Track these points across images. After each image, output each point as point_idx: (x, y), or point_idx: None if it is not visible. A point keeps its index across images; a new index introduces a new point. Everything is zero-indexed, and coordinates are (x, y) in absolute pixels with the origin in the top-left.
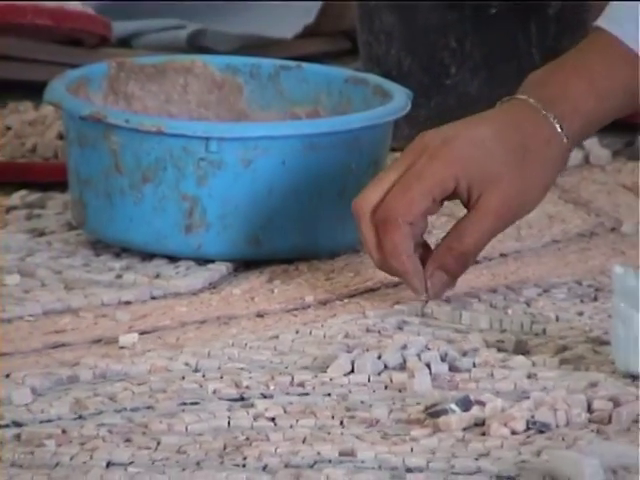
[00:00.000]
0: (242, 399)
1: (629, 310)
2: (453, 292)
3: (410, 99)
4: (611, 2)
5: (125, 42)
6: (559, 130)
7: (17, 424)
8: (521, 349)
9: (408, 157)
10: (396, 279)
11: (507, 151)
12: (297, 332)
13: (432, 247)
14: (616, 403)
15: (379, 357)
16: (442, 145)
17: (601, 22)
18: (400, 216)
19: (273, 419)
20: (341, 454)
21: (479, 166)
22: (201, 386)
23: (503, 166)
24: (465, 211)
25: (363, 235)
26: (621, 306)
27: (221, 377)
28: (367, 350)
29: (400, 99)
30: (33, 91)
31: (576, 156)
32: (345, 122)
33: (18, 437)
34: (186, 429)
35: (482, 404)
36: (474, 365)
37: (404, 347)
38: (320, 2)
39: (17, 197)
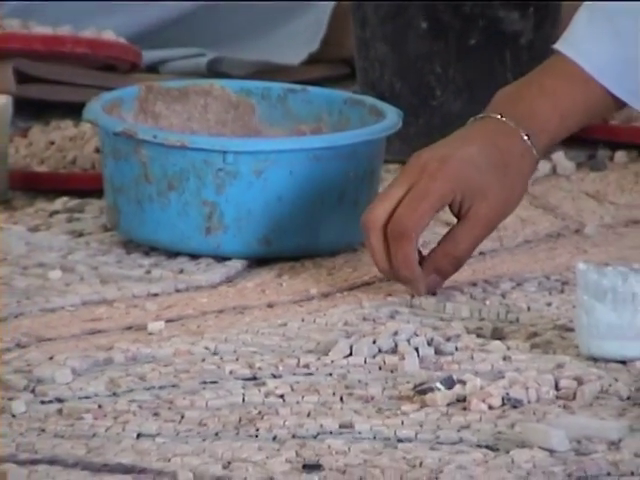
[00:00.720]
0: (255, 378)
1: (591, 301)
2: (442, 288)
3: (401, 118)
4: (571, 25)
5: (153, 68)
6: (530, 145)
7: (59, 400)
8: (497, 335)
9: (409, 175)
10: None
11: (491, 167)
12: (302, 320)
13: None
14: (580, 382)
15: (374, 342)
16: (440, 165)
17: (560, 46)
18: (412, 230)
19: (282, 396)
20: (341, 426)
21: (470, 182)
22: (219, 367)
23: (489, 180)
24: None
25: (372, 246)
26: (584, 298)
27: (236, 359)
28: (363, 336)
29: (392, 118)
30: (73, 111)
31: (545, 167)
32: (344, 137)
33: (60, 411)
34: (206, 404)
35: (463, 383)
36: (456, 349)
37: (395, 333)
38: (323, 32)
39: (59, 203)
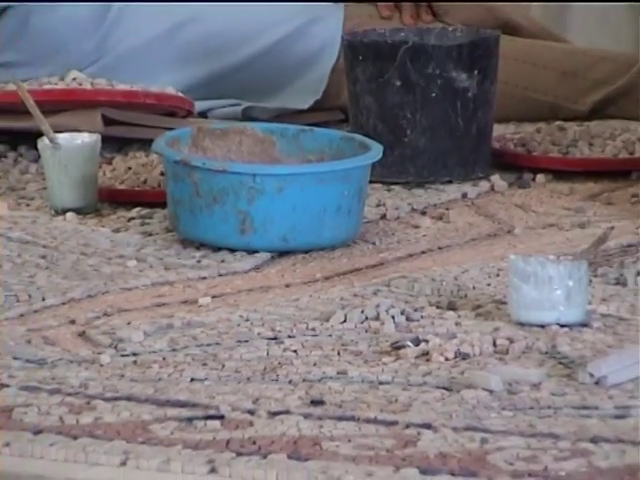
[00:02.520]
0: (275, 338)
1: (519, 283)
2: (409, 271)
3: (381, 150)
4: None
5: (202, 114)
6: None
7: (134, 354)
8: (451, 307)
9: None
10: (375, 262)
11: None
12: (310, 296)
13: None
14: (511, 341)
15: (362, 312)
16: None
17: None
18: None
19: (295, 351)
20: (338, 373)
21: None
22: (249, 330)
23: None
24: None
25: None
26: (514, 280)
27: (262, 324)
28: (354, 308)
29: (375, 150)
30: (145, 145)
31: (485, 186)
32: (340, 164)
33: (135, 362)
34: (240, 357)
35: (426, 341)
36: (421, 317)
37: (377, 306)
38: (324, 87)
39: (134, 212)
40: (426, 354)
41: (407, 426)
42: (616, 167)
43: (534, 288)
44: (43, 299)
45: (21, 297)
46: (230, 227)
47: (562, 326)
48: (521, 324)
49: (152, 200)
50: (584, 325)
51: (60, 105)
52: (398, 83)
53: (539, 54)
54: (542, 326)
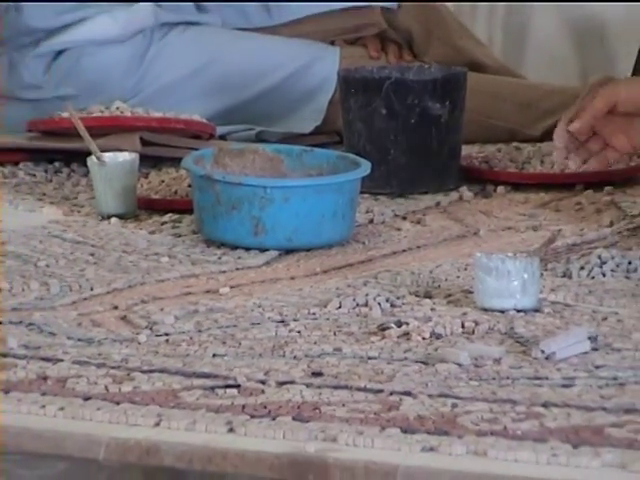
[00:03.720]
0: (283, 321)
1: (483, 275)
2: (393, 266)
3: (369, 167)
4: None
5: (222, 137)
6: None
7: (166, 334)
8: (427, 295)
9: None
10: (364, 259)
11: None
12: (311, 287)
13: None
14: (476, 323)
15: (354, 299)
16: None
17: None
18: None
19: (299, 331)
20: (334, 350)
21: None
22: (261, 314)
23: None
24: None
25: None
26: (479, 274)
27: (272, 310)
28: (348, 296)
29: (365, 167)
30: (175, 162)
31: (455, 195)
32: (336, 178)
33: (167, 341)
34: (254, 337)
35: (407, 324)
36: (403, 304)
37: (367, 294)
38: (323, 114)
39: (167, 217)
40: (406, 334)
41: (391, 393)
42: (563, 180)
43: (495, 280)
44: (91, 289)
45: (73, 287)
46: (245, 230)
47: (518, 311)
48: (485, 309)
49: (181, 207)
50: (536, 310)
51: (106, 130)
52: (383, 111)
53: (499, 88)
54: (502, 311)
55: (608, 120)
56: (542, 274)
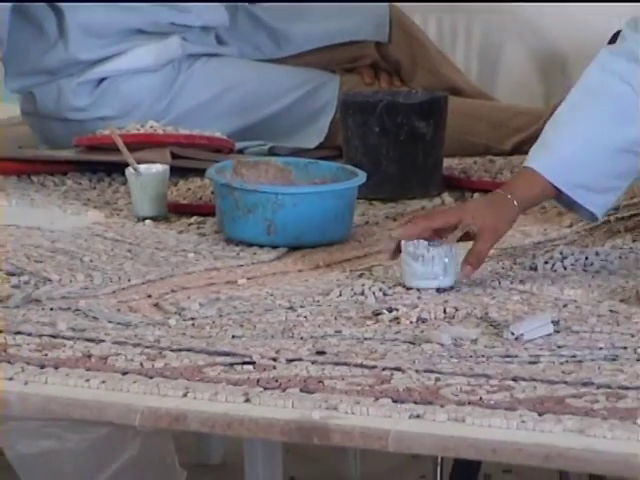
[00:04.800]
0: (291, 308)
1: (411, 261)
2: (384, 261)
3: (365, 177)
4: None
5: (240, 151)
6: (516, 206)
7: (192, 319)
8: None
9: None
10: (361, 255)
11: (491, 211)
12: (315, 278)
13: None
14: (456, 309)
15: (352, 289)
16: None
17: (528, 162)
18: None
19: (305, 316)
20: (335, 332)
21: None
22: (273, 302)
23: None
24: None
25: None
26: (408, 259)
27: (282, 298)
28: (347, 286)
29: (361, 176)
30: (200, 173)
31: (437, 201)
32: (337, 186)
33: (193, 324)
34: (267, 321)
35: (397, 310)
36: (393, 293)
37: (363, 285)
38: (325, 132)
39: (193, 219)
40: (396, 319)
41: (383, 369)
42: None
43: (422, 265)
44: (128, 280)
45: (113, 279)
46: (259, 230)
47: (440, 290)
48: (411, 288)
49: (205, 211)
50: (452, 288)
51: (141, 145)
52: (377, 129)
53: (475, 109)
54: (437, 290)
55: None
56: (512, 267)
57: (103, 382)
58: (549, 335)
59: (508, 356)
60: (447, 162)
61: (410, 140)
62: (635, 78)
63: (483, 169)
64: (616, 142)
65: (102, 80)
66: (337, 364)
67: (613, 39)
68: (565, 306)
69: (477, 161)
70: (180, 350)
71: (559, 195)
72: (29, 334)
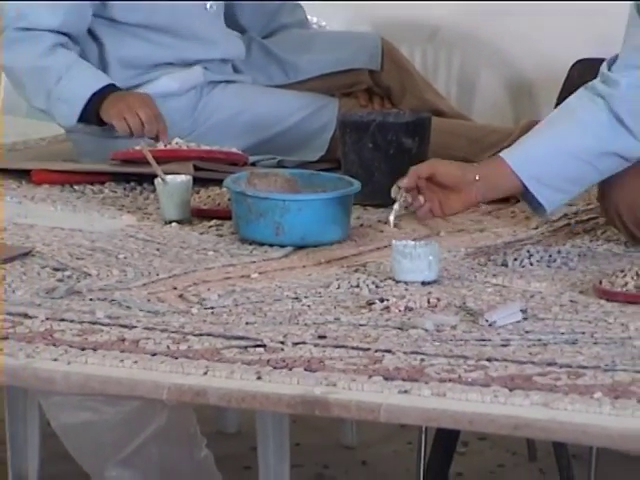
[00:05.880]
0: (297, 298)
1: (400, 258)
2: (377, 258)
3: (360, 186)
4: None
5: (253, 164)
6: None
7: (212, 307)
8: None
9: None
10: (356, 252)
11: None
12: (317, 273)
13: None
14: (439, 300)
15: (349, 282)
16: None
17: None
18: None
19: (309, 306)
20: (334, 319)
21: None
22: (281, 293)
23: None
24: None
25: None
26: (398, 257)
27: (289, 289)
28: (344, 280)
29: (357, 185)
30: (218, 183)
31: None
32: (336, 194)
33: (212, 313)
34: (276, 309)
35: (387, 300)
36: (384, 285)
37: (358, 278)
38: (326, 147)
39: (212, 222)
40: (387, 308)
41: (376, 351)
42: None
43: (410, 261)
44: (157, 274)
45: (144, 273)
46: (270, 231)
47: (424, 283)
48: (399, 281)
49: (223, 215)
50: (436, 282)
51: (168, 159)
52: (370, 145)
53: (455, 128)
54: (422, 283)
55: (430, 188)
56: (486, 264)
57: (135, 362)
58: (518, 322)
59: (483, 340)
60: None
61: (399, 154)
62: (609, 99)
63: None
64: (573, 148)
65: None
66: (336, 347)
67: (572, 70)
68: (532, 297)
69: None
70: (201, 335)
71: (517, 185)
72: (71, 321)
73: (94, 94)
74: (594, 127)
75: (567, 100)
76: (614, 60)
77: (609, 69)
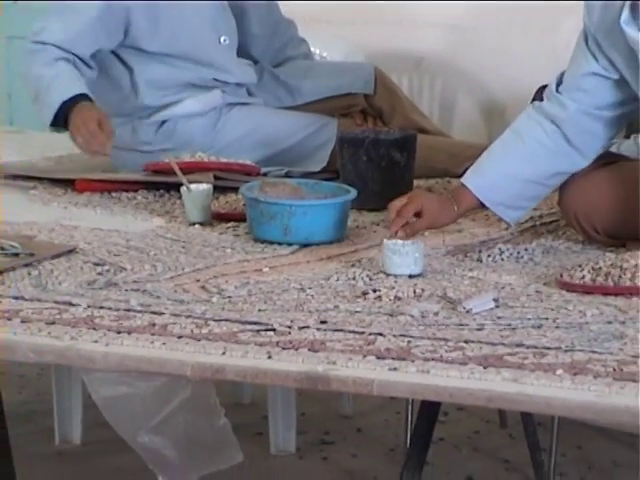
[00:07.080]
0: (302, 289)
1: (391, 255)
2: (371, 255)
3: (356, 193)
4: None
5: (265, 174)
6: (455, 210)
7: (229, 297)
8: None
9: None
10: (353, 250)
11: (437, 205)
12: (320, 267)
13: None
14: (423, 290)
15: (346, 275)
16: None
17: (465, 180)
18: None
19: (312, 295)
20: (334, 307)
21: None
22: (288, 285)
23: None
24: None
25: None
26: (388, 253)
27: (295, 281)
28: (343, 273)
29: (353, 193)
30: (234, 190)
31: None
32: (336, 200)
33: (229, 301)
34: (284, 298)
35: (380, 290)
36: (377, 278)
37: (354, 272)
38: (327, 159)
39: (230, 224)
40: (379, 297)
41: (369, 334)
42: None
43: (399, 257)
44: (183, 269)
45: (171, 268)
46: (279, 232)
47: (411, 276)
48: (390, 274)
49: (239, 218)
50: (421, 275)
51: (192, 170)
52: (365, 158)
53: (437, 144)
54: (409, 276)
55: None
56: (463, 260)
57: (164, 344)
58: (491, 309)
59: (461, 325)
60: (416, 182)
61: (389, 166)
62: (559, 123)
63: (442, 187)
64: (529, 175)
65: (164, 122)
66: (335, 330)
67: (537, 94)
68: (503, 288)
69: (438, 182)
70: (220, 320)
71: (485, 208)
72: (109, 308)
73: (64, 102)
74: (547, 154)
75: (519, 120)
76: (561, 80)
77: (557, 89)
